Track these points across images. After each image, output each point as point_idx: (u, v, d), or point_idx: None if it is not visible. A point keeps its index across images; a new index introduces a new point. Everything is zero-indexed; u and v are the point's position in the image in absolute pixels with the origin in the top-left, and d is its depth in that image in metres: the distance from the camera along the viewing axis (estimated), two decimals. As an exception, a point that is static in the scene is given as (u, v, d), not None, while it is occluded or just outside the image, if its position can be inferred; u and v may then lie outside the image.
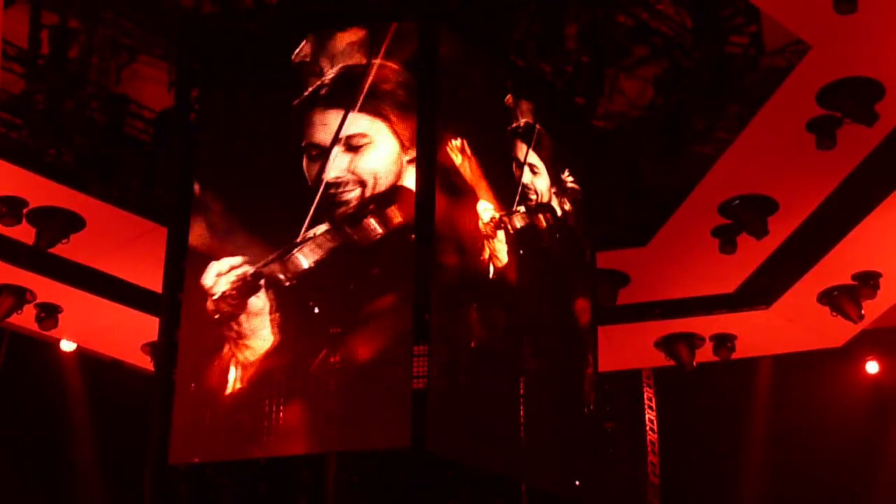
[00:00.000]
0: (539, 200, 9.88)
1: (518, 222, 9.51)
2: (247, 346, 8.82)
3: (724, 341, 13.35)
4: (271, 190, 9.22)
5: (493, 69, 9.88)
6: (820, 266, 12.00)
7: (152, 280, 11.03)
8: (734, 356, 13.50)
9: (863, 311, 12.39)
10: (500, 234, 9.36)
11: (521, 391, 9.20)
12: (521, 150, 9.93)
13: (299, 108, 9.23)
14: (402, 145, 9.01)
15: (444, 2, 9.49)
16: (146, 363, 13.41)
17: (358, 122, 9.09)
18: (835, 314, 12.50)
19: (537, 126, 10.10)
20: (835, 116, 10.12)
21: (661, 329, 13.26)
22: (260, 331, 8.82)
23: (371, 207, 8.88)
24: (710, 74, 10.99)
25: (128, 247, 11.90)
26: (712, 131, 11.26)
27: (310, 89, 9.24)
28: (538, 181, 9.97)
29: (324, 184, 8.95)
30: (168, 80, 11.49)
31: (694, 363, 13.38)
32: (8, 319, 12.64)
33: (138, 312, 12.56)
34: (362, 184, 8.96)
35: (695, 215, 11.57)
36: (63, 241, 11.51)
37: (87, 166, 11.35)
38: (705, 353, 13.47)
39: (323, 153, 9.05)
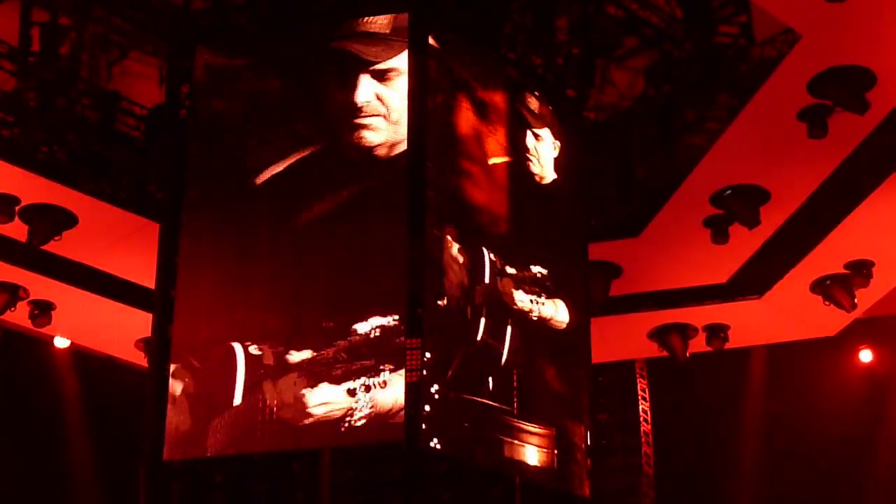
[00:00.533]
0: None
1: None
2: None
3: (717, 331, 13.38)
4: None
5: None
6: (812, 255, 12.02)
7: (145, 276, 11.02)
8: (727, 346, 13.53)
9: (856, 300, 12.42)
10: None
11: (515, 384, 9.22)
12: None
13: None
14: None
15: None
16: (140, 359, 13.41)
17: None
18: (828, 303, 12.52)
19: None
20: (826, 105, 10.13)
21: (654, 320, 13.28)
22: None
23: None
24: (700, 65, 10.99)
25: (120, 243, 11.89)
26: (703, 122, 11.27)
27: None
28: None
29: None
30: (159, 76, 11.48)
31: (687, 353, 13.40)
32: (1, 317, 12.64)
33: (131, 309, 12.57)
34: None
35: (687, 206, 11.58)
36: (56, 238, 11.51)
37: (79, 163, 11.34)
38: (698, 344, 13.49)
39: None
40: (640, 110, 11.69)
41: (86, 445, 15.80)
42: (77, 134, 11.34)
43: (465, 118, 9.43)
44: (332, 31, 9.43)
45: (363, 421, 8.44)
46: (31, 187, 11.15)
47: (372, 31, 9.30)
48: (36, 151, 11.22)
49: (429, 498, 8.94)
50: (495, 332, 9.18)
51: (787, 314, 13.04)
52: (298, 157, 9.23)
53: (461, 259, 8.99)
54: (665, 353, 13.52)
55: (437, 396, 8.45)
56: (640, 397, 15.58)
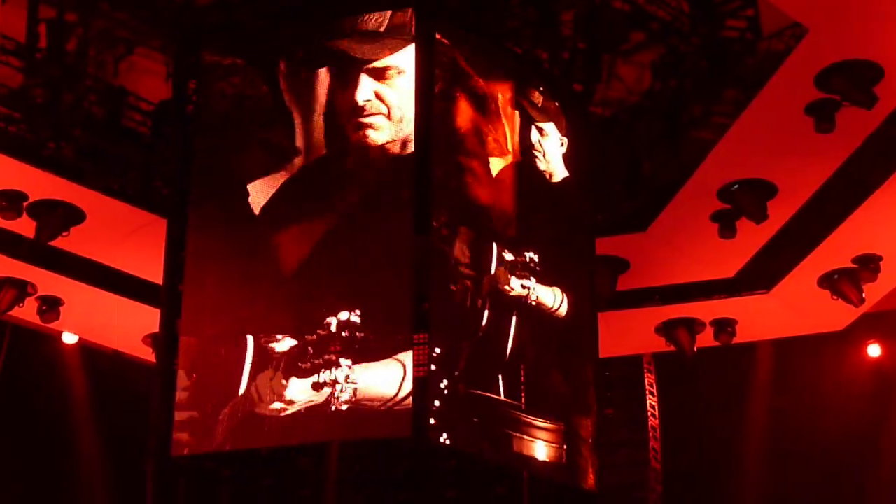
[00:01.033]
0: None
1: None
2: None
3: (724, 326, 13.35)
4: None
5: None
6: (820, 250, 12.00)
7: (153, 272, 11.03)
8: (735, 341, 13.50)
9: (863, 295, 12.39)
10: None
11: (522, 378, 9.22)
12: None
13: None
14: None
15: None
16: (147, 355, 13.43)
17: None
18: (835, 298, 12.50)
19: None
20: (833, 99, 10.10)
21: (662, 314, 13.26)
22: None
23: None
24: (707, 59, 10.97)
25: (128, 239, 11.91)
26: (710, 116, 11.24)
27: None
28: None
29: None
30: (165, 71, 11.49)
31: (694, 348, 13.38)
32: (9, 313, 12.66)
33: (139, 304, 12.58)
34: None
35: (694, 200, 11.56)
36: (63, 233, 11.53)
37: (87, 159, 11.36)
38: (706, 339, 13.47)
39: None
40: (646, 105, 11.67)
41: (93, 441, 15.83)
42: (84, 130, 11.36)
43: (470, 114, 9.43)
44: (329, 30, 9.42)
45: (346, 406, 8.44)
46: (38, 183, 11.17)
47: (368, 28, 9.29)
48: (43, 147, 11.24)
49: (435, 494, 8.94)
50: (499, 324, 9.18)
51: (794, 309, 13.02)
52: (302, 158, 9.25)
53: (467, 253, 8.99)
54: (672, 348, 13.50)
55: (445, 391, 8.45)
56: (647, 392, 15.58)
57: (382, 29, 9.27)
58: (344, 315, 8.60)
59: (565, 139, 10.25)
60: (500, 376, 9.05)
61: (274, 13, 9.80)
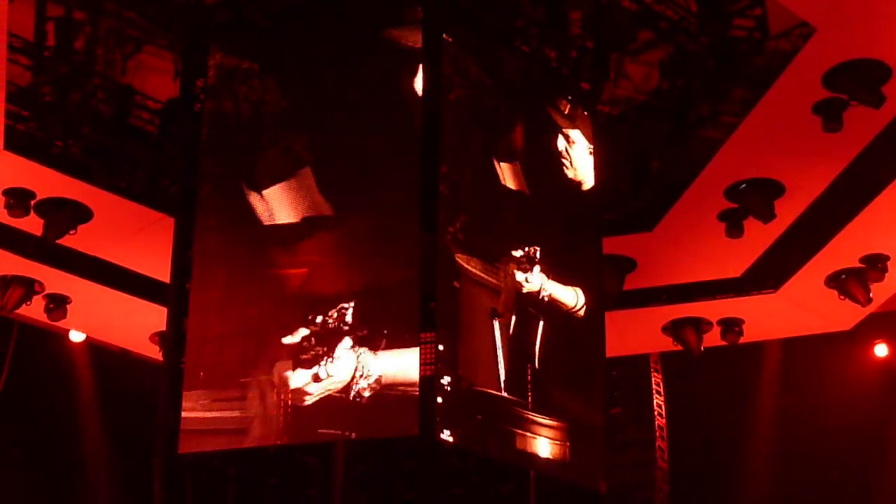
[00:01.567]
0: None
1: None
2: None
3: (731, 325, 13.35)
4: None
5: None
6: (827, 249, 11.99)
7: (160, 270, 11.05)
8: (742, 340, 13.50)
9: (871, 294, 12.38)
10: None
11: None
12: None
13: None
14: None
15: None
16: (155, 353, 13.45)
17: None
18: (843, 297, 12.49)
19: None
20: (841, 99, 10.09)
21: (669, 314, 13.26)
22: None
23: None
24: (715, 58, 10.96)
25: (135, 237, 11.93)
26: (718, 115, 11.23)
27: None
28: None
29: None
30: (174, 70, 11.49)
31: (702, 347, 13.38)
32: (17, 311, 12.69)
33: (146, 302, 12.60)
34: None
35: (701, 199, 11.56)
36: (71, 232, 11.55)
37: (94, 157, 11.38)
38: (713, 338, 13.47)
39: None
40: (654, 104, 11.67)
41: (100, 439, 15.87)
42: (92, 128, 11.38)
43: (482, 114, 9.43)
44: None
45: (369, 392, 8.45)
46: (46, 181, 11.20)
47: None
48: (51, 146, 11.26)
49: (441, 492, 8.93)
50: (510, 323, 9.19)
51: (802, 308, 13.01)
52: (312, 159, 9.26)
53: (479, 253, 9.01)
54: (679, 347, 13.50)
55: (449, 389, 8.45)
56: (654, 391, 15.58)
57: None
58: (352, 309, 8.62)
59: (592, 147, 10.29)
60: (506, 374, 9.04)
61: (279, 13, 9.79)
